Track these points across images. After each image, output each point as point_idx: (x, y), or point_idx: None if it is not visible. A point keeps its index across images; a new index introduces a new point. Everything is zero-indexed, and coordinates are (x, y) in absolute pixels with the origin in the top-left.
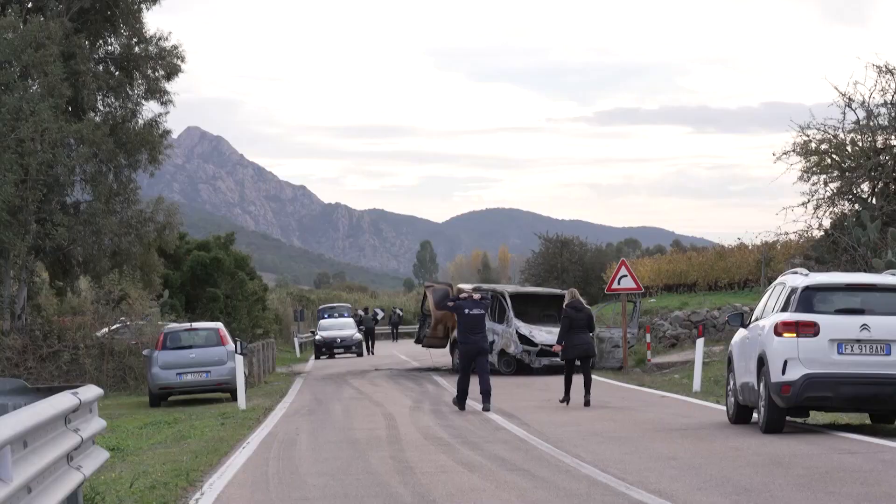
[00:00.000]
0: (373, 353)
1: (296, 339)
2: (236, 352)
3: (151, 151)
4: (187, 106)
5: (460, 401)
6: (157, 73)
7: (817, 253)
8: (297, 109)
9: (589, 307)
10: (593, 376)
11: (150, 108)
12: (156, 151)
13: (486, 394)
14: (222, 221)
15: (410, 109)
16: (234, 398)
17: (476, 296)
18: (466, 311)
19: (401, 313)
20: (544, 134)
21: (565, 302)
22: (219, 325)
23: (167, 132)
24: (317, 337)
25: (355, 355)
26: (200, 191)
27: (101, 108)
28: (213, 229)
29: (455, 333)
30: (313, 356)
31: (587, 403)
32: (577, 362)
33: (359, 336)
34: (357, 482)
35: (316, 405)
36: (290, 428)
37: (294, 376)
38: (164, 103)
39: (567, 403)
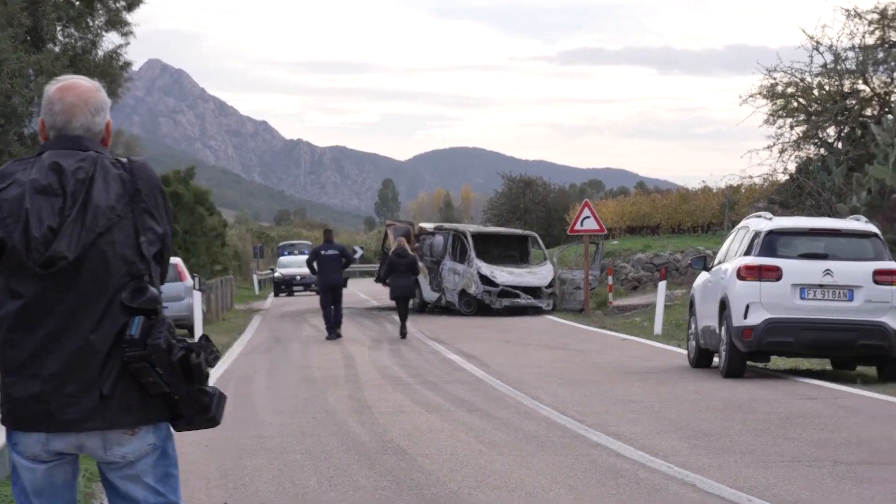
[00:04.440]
0: None
1: (255, 276)
2: (194, 288)
3: (111, 84)
4: (148, 38)
5: (329, 331)
6: (117, 4)
7: (782, 197)
8: (259, 44)
9: (412, 254)
10: (554, 318)
11: (110, 40)
12: (115, 84)
13: (336, 321)
14: (182, 156)
15: (372, 46)
16: (192, 334)
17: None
18: (322, 252)
19: (361, 251)
20: (506, 73)
21: (391, 249)
22: (177, 260)
23: (127, 64)
24: (276, 274)
25: (315, 293)
26: (161, 124)
27: (61, 38)
28: (173, 164)
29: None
30: (272, 293)
31: (403, 336)
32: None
33: None
34: (314, 421)
35: (274, 343)
36: (247, 366)
37: (252, 313)
38: (124, 35)
39: (404, 336)
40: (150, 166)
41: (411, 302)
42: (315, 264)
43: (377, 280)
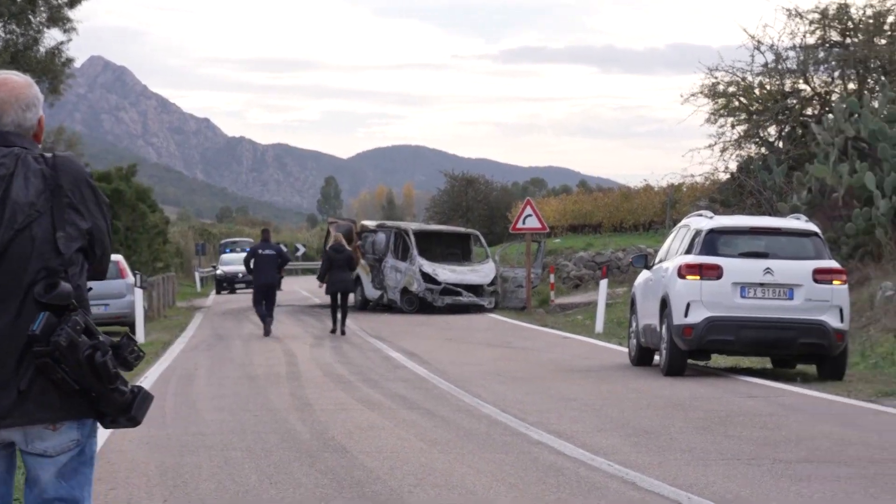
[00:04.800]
0: (279, 289)
1: (197, 274)
2: (136, 285)
3: (53, 80)
4: (90, 35)
5: (266, 327)
6: (59, 0)
7: (723, 196)
8: (202, 41)
9: (349, 249)
10: (496, 315)
11: (52, 36)
12: (57, 81)
13: (268, 320)
14: (124, 153)
15: (315, 43)
16: (133, 332)
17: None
18: (259, 251)
19: (304, 249)
20: (449, 71)
21: (328, 245)
22: (118, 257)
23: (69, 61)
24: (218, 271)
25: None
26: (103, 121)
27: (2, 34)
28: (115, 160)
29: (357, 270)
30: (214, 291)
31: (342, 333)
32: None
33: None
34: (255, 418)
35: (216, 340)
36: (188, 363)
37: (194, 311)
38: (66, 31)
39: (334, 333)
40: (76, 160)
41: (352, 299)
42: (252, 263)
43: (319, 279)
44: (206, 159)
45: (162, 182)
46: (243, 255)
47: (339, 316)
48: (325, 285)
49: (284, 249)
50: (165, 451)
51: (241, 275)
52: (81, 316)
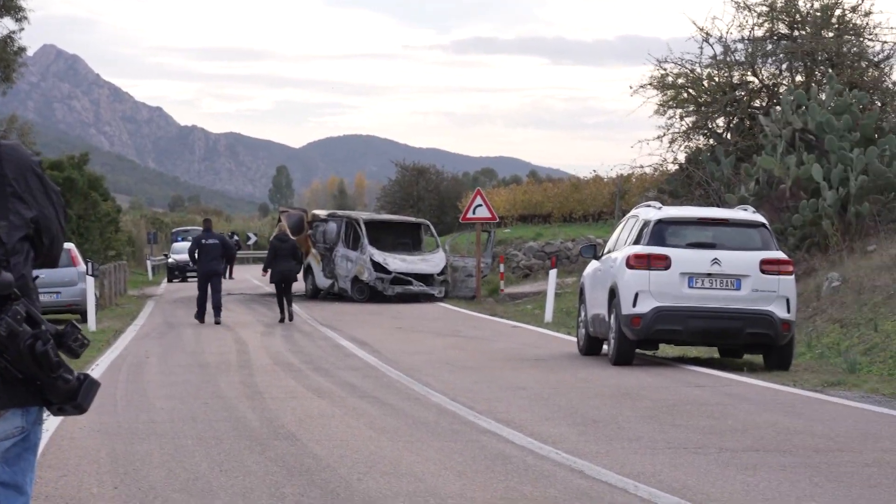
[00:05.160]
0: (231, 278)
1: (148, 262)
2: (87, 273)
3: (5, 69)
4: (43, 23)
5: (198, 315)
6: None
7: (671, 187)
8: (154, 30)
9: (293, 238)
10: (446, 305)
11: (4, 25)
12: (9, 69)
13: (217, 308)
14: (77, 141)
15: (267, 33)
16: (85, 320)
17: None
18: (203, 241)
19: (255, 238)
20: (401, 61)
21: (273, 234)
22: (70, 245)
23: (22, 49)
24: (170, 260)
25: None
26: (55, 110)
27: None
28: (68, 149)
29: (308, 259)
30: (166, 279)
31: (290, 318)
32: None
33: None
34: (205, 406)
35: (167, 328)
36: (139, 351)
37: (146, 299)
38: (18, 20)
39: (283, 321)
40: (22, 149)
41: (303, 287)
42: (197, 253)
43: (264, 268)
44: (159, 148)
45: (114, 171)
46: None
47: (285, 304)
48: (269, 274)
49: (235, 238)
50: (116, 439)
51: (192, 263)
52: (23, 305)
